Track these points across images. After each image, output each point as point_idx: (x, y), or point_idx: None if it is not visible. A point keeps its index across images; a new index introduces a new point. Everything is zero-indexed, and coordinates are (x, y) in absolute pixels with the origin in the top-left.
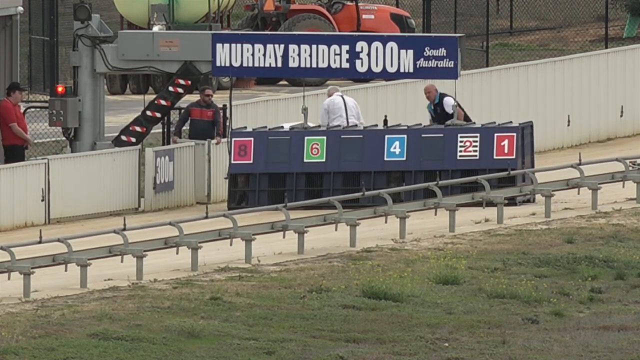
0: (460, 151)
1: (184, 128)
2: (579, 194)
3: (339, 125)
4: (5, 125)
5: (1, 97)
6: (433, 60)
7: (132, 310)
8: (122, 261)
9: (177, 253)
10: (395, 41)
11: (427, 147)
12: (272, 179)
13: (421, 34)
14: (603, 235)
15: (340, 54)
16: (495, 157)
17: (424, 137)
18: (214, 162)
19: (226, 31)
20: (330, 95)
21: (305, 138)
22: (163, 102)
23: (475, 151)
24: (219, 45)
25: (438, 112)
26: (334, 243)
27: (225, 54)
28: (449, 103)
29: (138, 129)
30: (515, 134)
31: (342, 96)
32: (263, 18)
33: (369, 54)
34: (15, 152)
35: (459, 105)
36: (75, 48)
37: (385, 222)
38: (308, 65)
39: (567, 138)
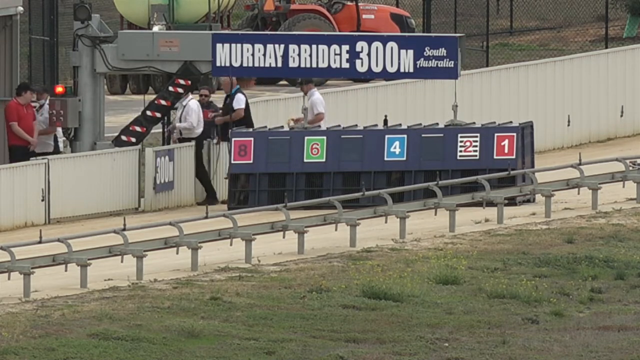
0: (460, 151)
1: None
2: (579, 194)
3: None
4: (9, 125)
5: (1, 96)
6: (433, 60)
7: (132, 310)
8: (122, 261)
9: (177, 253)
10: (395, 41)
11: (427, 147)
12: (272, 179)
13: (421, 34)
14: (603, 235)
15: (340, 54)
16: (495, 157)
17: (424, 137)
18: (213, 162)
19: (226, 31)
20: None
21: (305, 138)
22: (163, 102)
23: (476, 151)
24: (219, 45)
25: (227, 103)
26: (334, 243)
27: (225, 54)
28: (239, 99)
29: (138, 129)
30: (515, 134)
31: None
32: (263, 18)
33: (369, 54)
34: (17, 153)
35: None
36: (75, 48)
37: (385, 222)
38: (308, 65)
39: (567, 138)
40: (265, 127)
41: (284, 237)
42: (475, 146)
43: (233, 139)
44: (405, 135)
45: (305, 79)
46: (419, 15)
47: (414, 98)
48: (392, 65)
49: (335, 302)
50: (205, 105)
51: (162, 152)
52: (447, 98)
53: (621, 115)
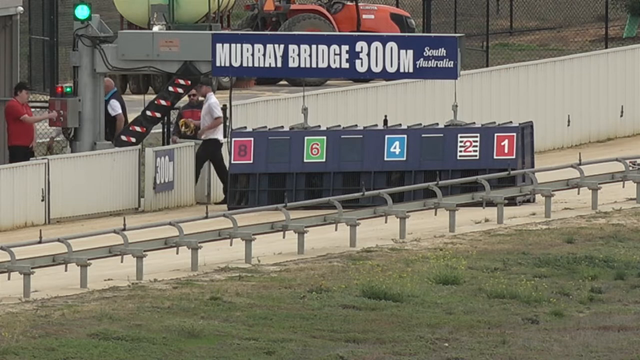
0: (460, 151)
1: None
2: (579, 194)
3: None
4: (11, 125)
5: (1, 97)
6: (433, 60)
7: (132, 310)
8: (122, 261)
9: (177, 253)
10: (395, 41)
11: (427, 147)
12: (272, 179)
13: (421, 34)
14: (603, 235)
15: (340, 54)
16: (495, 157)
17: (424, 137)
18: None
19: (226, 31)
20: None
21: (305, 138)
22: (163, 102)
23: (475, 151)
24: (219, 45)
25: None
26: (334, 243)
27: (225, 54)
28: (113, 105)
29: (138, 129)
30: (515, 134)
31: None
32: (263, 18)
33: (368, 54)
34: (18, 153)
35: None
36: (75, 48)
37: (385, 222)
38: (308, 65)
39: (567, 138)
40: (265, 127)
41: (284, 237)
42: (475, 146)
43: (233, 139)
44: (405, 135)
45: (204, 80)
46: (419, 15)
47: (414, 98)
48: (391, 66)
49: (335, 302)
50: (196, 105)
51: (162, 152)
52: (447, 98)
53: (621, 115)
